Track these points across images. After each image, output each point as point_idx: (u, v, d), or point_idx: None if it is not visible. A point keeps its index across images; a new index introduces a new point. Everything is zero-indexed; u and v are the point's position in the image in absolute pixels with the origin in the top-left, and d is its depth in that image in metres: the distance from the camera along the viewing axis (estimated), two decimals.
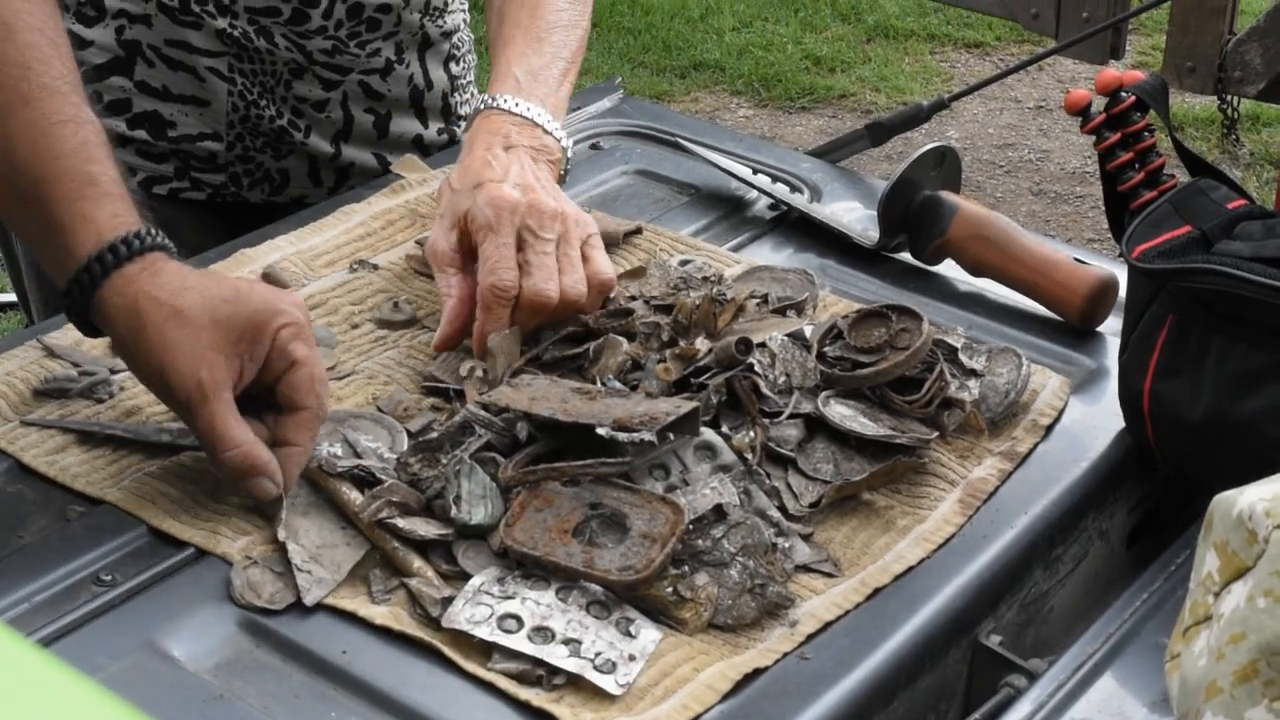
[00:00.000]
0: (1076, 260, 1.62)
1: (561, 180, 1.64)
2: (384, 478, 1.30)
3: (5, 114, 1.33)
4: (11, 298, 3.89)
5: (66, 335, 1.49)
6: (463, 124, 2.00)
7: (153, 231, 1.32)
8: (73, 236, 1.30)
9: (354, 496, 1.29)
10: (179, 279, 1.30)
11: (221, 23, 1.83)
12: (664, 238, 1.71)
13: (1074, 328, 1.61)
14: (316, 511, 1.29)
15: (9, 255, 2.06)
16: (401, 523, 1.26)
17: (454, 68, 2.00)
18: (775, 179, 1.84)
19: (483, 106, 1.66)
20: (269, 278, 1.60)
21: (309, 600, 1.22)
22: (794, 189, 1.84)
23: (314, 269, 1.63)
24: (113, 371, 1.44)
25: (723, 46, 5.85)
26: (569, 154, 1.67)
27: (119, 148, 1.80)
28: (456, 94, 2.01)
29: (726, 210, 1.81)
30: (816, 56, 5.84)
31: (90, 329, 1.33)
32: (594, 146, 1.93)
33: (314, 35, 1.85)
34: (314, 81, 1.89)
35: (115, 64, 1.86)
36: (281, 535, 1.26)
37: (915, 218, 1.70)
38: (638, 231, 1.71)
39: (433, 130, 1.99)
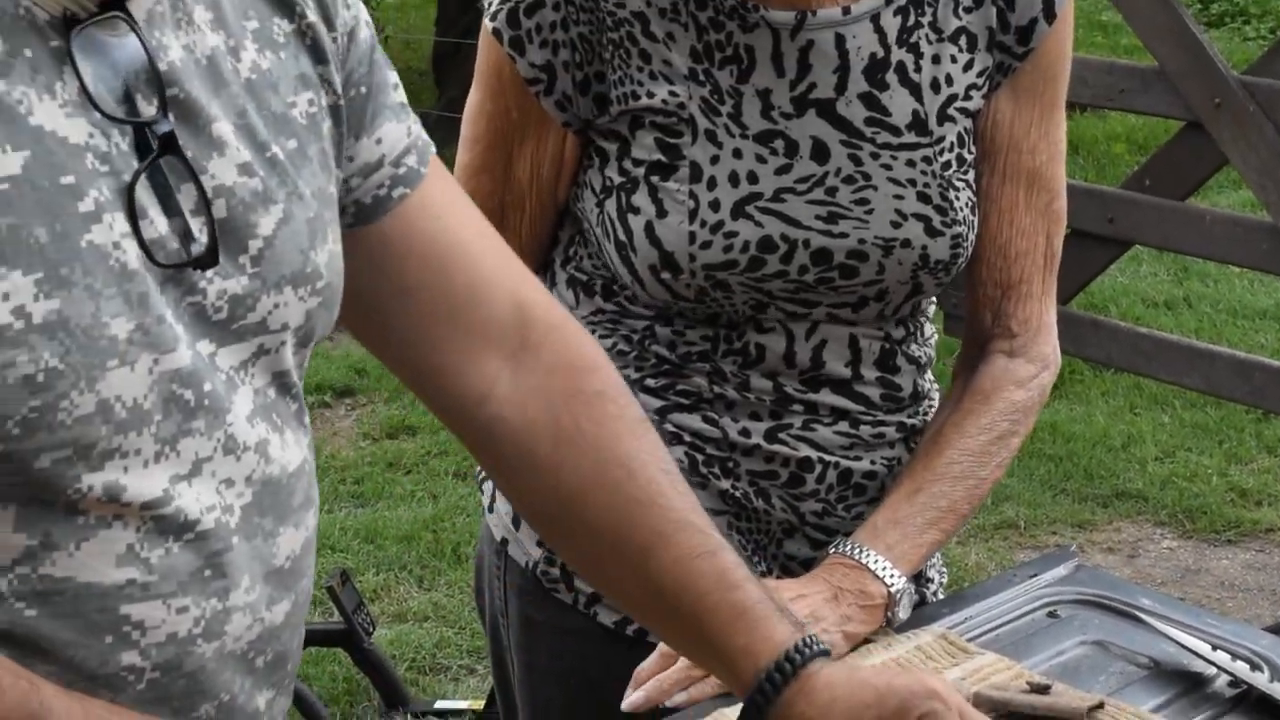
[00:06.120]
0: None
1: (889, 624, 1.84)
2: None
3: (649, 554, 1.48)
4: (456, 704, 4.08)
5: None
6: None
7: (803, 644, 1.45)
8: (734, 668, 1.46)
9: None
10: (827, 693, 1.43)
11: (725, 484, 1.97)
12: (1126, 713, 1.74)
13: None
14: None
15: (504, 691, 2.19)
16: None
17: None
18: (1234, 656, 1.86)
19: (832, 550, 1.88)
20: None
21: None
22: (1254, 666, 1.85)
23: None
24: None
25: (1145, 476, 5.84)
26: (901, 598, 1.84)
27: None
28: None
29: (1186, 686, 1.83)
30: (1242, 489, 5.76)
31: None
32: (1051, 614, 1.98)
33: (807, 498, 1.99)
34: (803, 541, 2.01)
35: None
36: None
37: None
38: (1100, 706, 1.75)
39: None
